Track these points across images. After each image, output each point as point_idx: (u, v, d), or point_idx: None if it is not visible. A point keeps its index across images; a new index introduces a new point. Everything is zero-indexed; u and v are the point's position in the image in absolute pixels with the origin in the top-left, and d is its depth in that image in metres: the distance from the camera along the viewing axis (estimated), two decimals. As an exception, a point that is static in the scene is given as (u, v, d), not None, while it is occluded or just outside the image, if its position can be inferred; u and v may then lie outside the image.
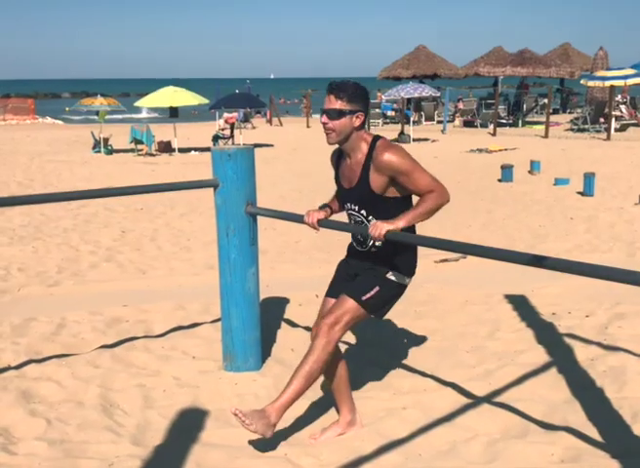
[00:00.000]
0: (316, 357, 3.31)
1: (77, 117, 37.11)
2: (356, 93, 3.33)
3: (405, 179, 3.27)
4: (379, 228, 3.19)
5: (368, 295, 3.41)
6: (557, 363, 4.42)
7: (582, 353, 4.56)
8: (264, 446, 3.46)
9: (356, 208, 3.48)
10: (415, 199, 3.42)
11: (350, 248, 3.69)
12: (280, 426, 3.57)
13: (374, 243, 3.46)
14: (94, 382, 4.24)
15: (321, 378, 3.59)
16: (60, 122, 37.06)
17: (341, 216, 3.65)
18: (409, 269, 3.53)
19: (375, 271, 3.47)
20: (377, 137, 3.40)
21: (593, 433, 3.51)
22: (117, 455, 3.40)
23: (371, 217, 3.43)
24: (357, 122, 3.34)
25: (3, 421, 3.74)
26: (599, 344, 4.70)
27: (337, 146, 3.51)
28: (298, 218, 3.77)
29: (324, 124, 3.34)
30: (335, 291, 3.63)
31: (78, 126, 32.96)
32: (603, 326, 5.08)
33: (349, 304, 3.39)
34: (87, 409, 3.89)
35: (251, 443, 3.49)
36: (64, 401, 4.02)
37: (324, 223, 3.61)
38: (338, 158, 3.59)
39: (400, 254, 3.48)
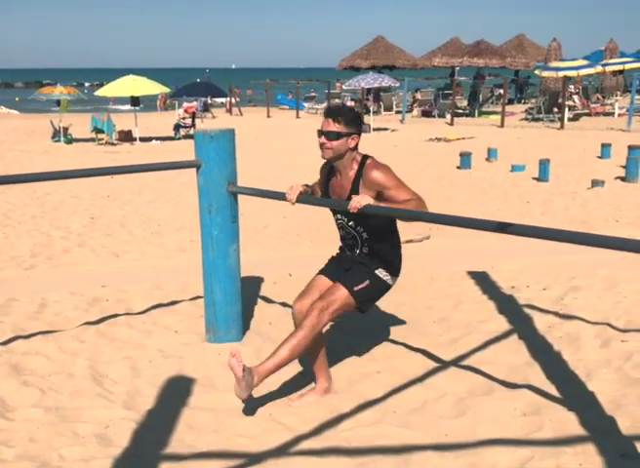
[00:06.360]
0: (304, 334, 3.59)
1: (32, 106, 36.56)
2: (352, 117, 3.70)
3: (391, 193, 3.61)
4: (358, 201, 3.45)
5: (359, 287, 3.75)
6: (517, 330, 4.76)
7: (540, 321, 4.92)
8: (250, 408, 3.71)
9: (345, 219, 3.85)
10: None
11: (341, 251, 4.04)
12: (264, 390, 3.84)
13: (362, 250, 3.84)
14: (81, 355, 4.43)
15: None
16: (14, 112, 36.44)
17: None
18: (395, 270, 3.92)
19: (365, 266, 3.83)
20: (366, 157, 3.77)
21: (552, 390, 3.84)
22: (111, 419, 3.61)
23: (359, 228, 3.82)
24: (352, 143, 3.71)
25: (-3, 392, 3.91)
26: (556, 313, 5.06)
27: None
28: (278, 196, 4.01)
29: (322, 144, 3.69)
30: (326, 270, 3.97)
31: (35, 115, 32.45)
32: (559, 297, 5.44)
33: (341, 292, 3.71)
34: (78, 380, 4.08)
35: (238, 405, 3.73)
36: (55, 372, 4.20)
37: (303, 199, 3.87)
38: (328, 172, 3.93)
39: (387, 257, 3.87)
